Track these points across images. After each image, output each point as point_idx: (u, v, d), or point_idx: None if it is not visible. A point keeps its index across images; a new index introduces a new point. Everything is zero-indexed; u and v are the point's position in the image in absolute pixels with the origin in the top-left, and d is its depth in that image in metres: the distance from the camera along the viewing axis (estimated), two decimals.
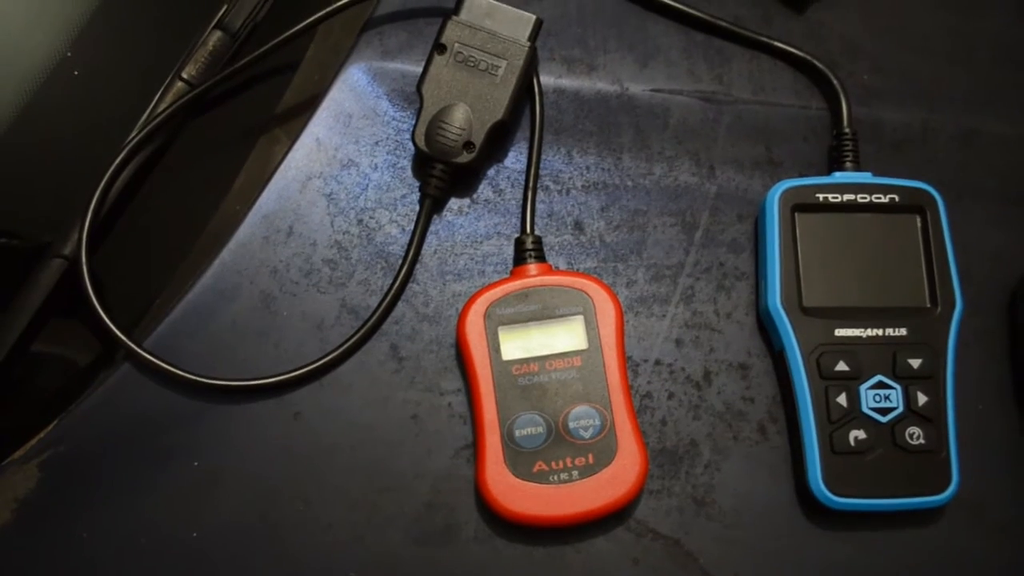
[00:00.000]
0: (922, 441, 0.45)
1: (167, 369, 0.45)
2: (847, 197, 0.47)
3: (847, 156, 0.49)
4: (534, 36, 0.48)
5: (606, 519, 0.45)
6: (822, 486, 0.44)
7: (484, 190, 0.50)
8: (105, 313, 0.45)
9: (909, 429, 0.45)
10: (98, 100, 0.49)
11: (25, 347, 0.46)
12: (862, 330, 0.46)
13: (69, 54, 0.48)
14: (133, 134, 0.48)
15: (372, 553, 0.44)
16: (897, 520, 0.46)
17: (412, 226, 0.49)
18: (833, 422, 0.45)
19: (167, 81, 0.50)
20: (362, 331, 0.47)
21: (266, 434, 0.46)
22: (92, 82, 0.49)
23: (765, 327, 0.48)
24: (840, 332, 0.46)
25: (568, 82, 0.52)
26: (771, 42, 0.52)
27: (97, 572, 0.44)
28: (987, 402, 0.48)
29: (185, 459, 0.45)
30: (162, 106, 0.49)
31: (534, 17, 0.48)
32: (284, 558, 0.44)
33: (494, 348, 0.45)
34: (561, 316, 0.45)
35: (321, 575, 0.44)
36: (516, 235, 0.48)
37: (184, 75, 0.50)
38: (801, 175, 0.50)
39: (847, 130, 0.50)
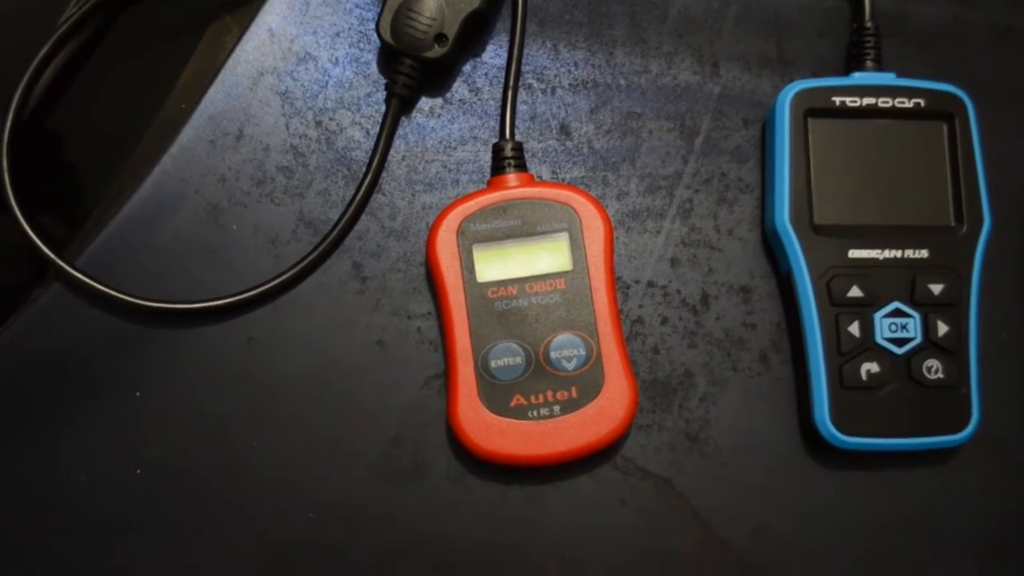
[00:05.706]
0: (941, 375, 0.42)
1: (102, 290, 0.43)
2: (867, 101, 0.44)
3: (868, 54, 0.45)
4: None
5: (590, 457, 0.42)
6: (829, 423, 0.42)
7: (459, 89, 0.46)
8: (32, 226, 0.43)
9: (927, 362, 0.42)
10: None
11: None
12: (879, 251, 0.43)
13: None
14: (61, 20, 0.44)
15: (333, 492, 0.43)
16: (908, 459, 0.44)
17: (377, 129, 0.45)
18: (843, 353, 0.42)
19: None
20: (321, 247, 0.44)
21: (215, 362, 0.43)
22: None
23: (771, 246, 0.45)
24: (854, 253, 0.43)
25: None
26: None
27: (32, 512, 0.42)
28: (1012, 330, 0.45)
29: (126, 389, 0.43)
30: None
31: None
32: (235, 498, 0.42)
33: (468, 268, 0.42)
34: (543, 233, 0.42)
35: (276, 517, 0.42)
36: (494, 140, 0.45)
37: None
38: (815, 75, 0.47)
39: (868, 24, 0.46)
